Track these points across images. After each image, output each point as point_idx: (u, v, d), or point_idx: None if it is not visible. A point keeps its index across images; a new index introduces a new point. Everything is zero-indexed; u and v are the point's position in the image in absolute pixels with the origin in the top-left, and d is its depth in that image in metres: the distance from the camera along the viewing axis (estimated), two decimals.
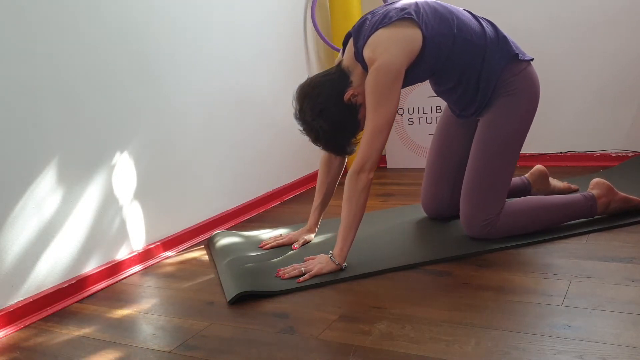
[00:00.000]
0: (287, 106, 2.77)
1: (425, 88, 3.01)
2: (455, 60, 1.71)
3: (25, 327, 1.58)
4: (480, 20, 1.77)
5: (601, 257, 1.61)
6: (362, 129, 1.72)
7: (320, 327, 1.38)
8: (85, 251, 1.80)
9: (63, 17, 1.72)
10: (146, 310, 1.60)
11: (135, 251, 1.97)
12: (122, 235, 1.93)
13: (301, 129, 1.74)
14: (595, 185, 1.85)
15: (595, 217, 1.85)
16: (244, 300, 1.57)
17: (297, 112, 1.72)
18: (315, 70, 3.01)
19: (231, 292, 1.59)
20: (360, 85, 1.68)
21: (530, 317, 1.32)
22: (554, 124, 2.80)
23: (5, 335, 1.53)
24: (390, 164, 3.12)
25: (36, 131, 1.65)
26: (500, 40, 1.75)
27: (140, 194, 2.00)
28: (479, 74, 1.73)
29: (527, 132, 1.79)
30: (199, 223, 2.25)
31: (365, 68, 1.67)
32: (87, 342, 1.45)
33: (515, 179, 2.08)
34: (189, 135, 2.20)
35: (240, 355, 1.30)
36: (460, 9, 1.77)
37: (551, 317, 1.31)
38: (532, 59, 1.78)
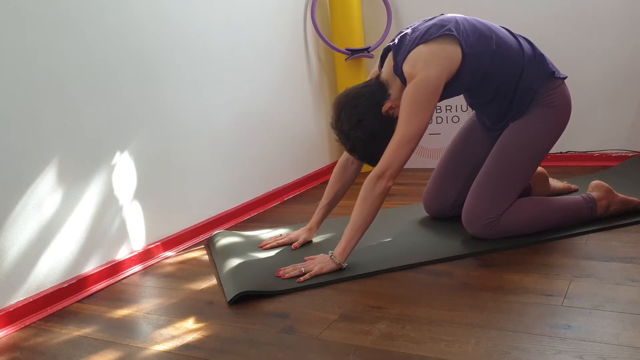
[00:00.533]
0: (287, 106, 2.78)
1: None
2: (492, 76, 1.73)
3: (25, 327, 1.58)
4: (518, 37, 1.79)
5: (601, 257, 1.61)
6: None
7: (320, 327, 1.38)
8: (85, 251, 1.80)
9: (63, 17, 1.72)
10: (146, 310, 1.60)
11: (135, 251, 1.97)
12: (122, 235, 1.94)
13: (337, 138, 1.76)
14: (595, 187, 1.85)
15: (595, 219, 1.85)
16: (244, 300, 1.57)
17: (334, 122, 1.74)
18: (315, 70, 3.01)
19: (231, 292, 1.59)
20: (398, 98, 1.70)
21: (530, 317, 1.32)
22: None
23: (5, 335, 1.53)
24: None
25: (36, 131, 1.65)
26: (537, 57, 1.77)
27: (140, 194, 2.00)
28: (515, 90, 1.76)
29: (550, 146, 1.81)
30: (199, 223, 2.25)
31: (403, 82, 1.69)
32: (87, 342, 1.45)
33: None
34: (188, 135, 2.20)
35: (240, 355, 1.30)
36: (498, 26, 1.79)
37: (551, 317, 1.31)
38: (566, 77, 1.81)
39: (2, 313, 1.55)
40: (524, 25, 2.76)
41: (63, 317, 1.62)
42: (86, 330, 1.52)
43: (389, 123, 1.70)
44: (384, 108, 1.70)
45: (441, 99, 1.70)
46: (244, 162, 2.50)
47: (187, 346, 1.37)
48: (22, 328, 1.57)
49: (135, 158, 1.98)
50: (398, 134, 1.63)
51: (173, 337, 1.42)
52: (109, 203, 1.88)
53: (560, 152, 2.81)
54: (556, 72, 1.78)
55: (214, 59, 2.32)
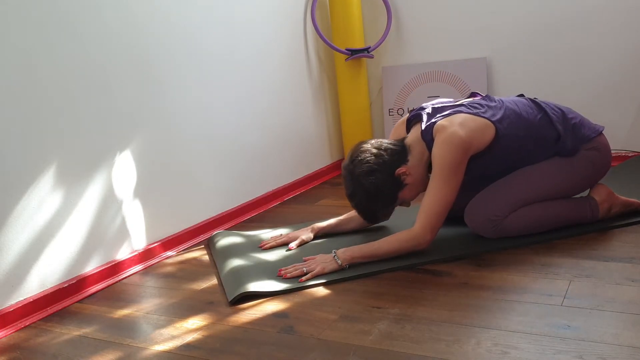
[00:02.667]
0: (287, 106, 2.78)
1: (425, 88, 3.01)
2: (527, 155, 1.78)
3: (25, 327, 1.58)
4: (549, 111, 1.79)
5: (601, 257, 1.61)
6: (395, 206, 1.81)
7: (320, 327, 1.38)
8: (85, 251, 1.80)
9: (63, 17, 1.72)
10: (146, 310, 1.60)
11: (135, 251, 1.97)
12: (122, 235, 1.94)
13: (343, 179, 1.79)
14: (596, 190, 1.85)
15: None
16: (244, 300, 1.57)
17: (347, 162, 1.77)
18: (315, 70, 3.01)
19: (232, 292, 1.60)
20: (414, 167, 1.76)
21: (529, 316, 1.32)
22: None
23: (5, 335, 1.53)
24: None
25: (36, 131, 1.65)
26: (571, 127, 1.79)
27: (141, 194, 2.00)
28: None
29: (582, 186, 1.84)
30: (199, 223, 2.25)
31: (428, 147, 1.74)
32: (87, 342, 1.45)
33: None
34: (189, 135, 2.20)
35: (240, 355, 1.30)
36: (527, 103, 1.82)
37: (551, 317, 1.31)
38: (602, 129, 1.84)
39: (2, 313, 1.55)
40: (522, 24, 2.76)
41: (63, 317, 1.62)
42: (86, 330, 1.52)
43: (396, 186, 1.74)
44: (398, 170, 1.73)
45: (470, 175, 1.75)
46: (244, 162, 2.50)
47: (187, 346, 1.37)
48: (22, 328, 1.57)
49: (135, 158, 1.98)
50: (439, 198, 1.65)
51: (173, 337, 1.42)
52: (109, 203, 1.88)
53: None
54: (592, 134, 1.80)
55: (214, 59, 2.32)
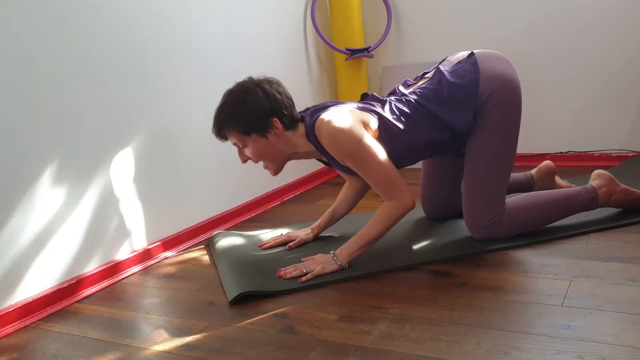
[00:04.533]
0: None
1: None
2: (425, 152, 1.77)
3: (25, 327, 1.58)
4: (422, 104, 1.71)
5: (601, 257, 1.61)
6: (240, 146, 1.73)
7: (320, 327, 1.38)
8: (85, 251, 1.80)
9: (62, 17, 1.72)
10: (146, 310, 1.60)
11: (135, 251, 1.97)
12: (122, 235, 1.94)
13: (232, 87, 1.73)
14: (597, 176, 1.84)
15: (597, 208, 1.82)
16: (244, 300, 1.57)
17: (249, 77, 1.72)
18: (315, 70, 3.01)
19: (232, 292, 1.59)
20: (284, 137, 1.69)
21: (530, 317, 1.32)
22: (554, 123, 2.80)
23: (5, 335, 1.53)
24: None
25: (36, 131, 1.65)
26: (452, 104, 1.69)
27: (140, 194, 2.00)
28: (461, 136, 1.74)
29: (519, 128, 1.76)
30: (199, 223, 2.25)
31: (316, 147, 1.70)
32: (87, 342, 1.45)
33: (519, 175, 2.07)
34: (188, 135, 2.20)
35: (240, 355, 1.30)
36: (402, 106, 1.73)
37: (551, 317, 1.31)
38: (477, 70, 1.70)
39: (2, 313, 1.55)
40: (523, 24, 2.76)
41: (63, 317, 1.62)
42: (86, 330, 1.52)
43: (261, 126, 1.66)
44: (275, 120, 1.66)
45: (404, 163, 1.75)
46: None
47: (187, 346, 1.37)
48: (22, 328, 1.57)
49: (135, 158, 1.98)
50: (377, 171, 1.62)
51: (173, 337, 1.42)
52: (109, 203, 1.88)
53: (560, 152, 2.81)
54: (475, 83, 1.68)
55: (214, 58, 2.32)
